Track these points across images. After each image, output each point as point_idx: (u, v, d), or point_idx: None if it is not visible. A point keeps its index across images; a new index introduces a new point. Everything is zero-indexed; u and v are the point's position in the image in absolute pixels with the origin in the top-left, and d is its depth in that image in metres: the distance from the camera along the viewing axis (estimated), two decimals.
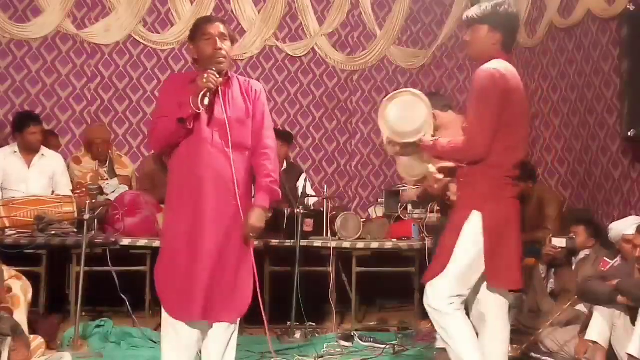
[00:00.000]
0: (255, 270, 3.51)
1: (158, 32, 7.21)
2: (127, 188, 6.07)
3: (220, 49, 3.42)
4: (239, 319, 3.55)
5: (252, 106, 3.52)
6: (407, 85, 7.69)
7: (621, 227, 4.67)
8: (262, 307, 3.50)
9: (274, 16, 7.32)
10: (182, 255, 3.38)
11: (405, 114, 3.54)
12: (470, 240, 3.38)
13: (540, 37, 6.63)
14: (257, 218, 3.43)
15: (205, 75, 3.33)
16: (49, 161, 5.86)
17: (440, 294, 3.38)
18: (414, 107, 3.56)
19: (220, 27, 3.46)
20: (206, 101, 3.33)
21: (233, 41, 3.56)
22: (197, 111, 3.33)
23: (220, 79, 3.41)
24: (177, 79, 3.69)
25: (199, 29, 3.47)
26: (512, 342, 4.65)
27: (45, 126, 6.30)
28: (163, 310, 3.48)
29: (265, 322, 3.59)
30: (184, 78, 3.64)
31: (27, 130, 5.76)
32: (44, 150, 5.86)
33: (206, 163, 3.39)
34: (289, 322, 5.20)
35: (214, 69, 3.38)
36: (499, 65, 3.41)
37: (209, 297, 3.36)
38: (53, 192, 5.76)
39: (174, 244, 3.42)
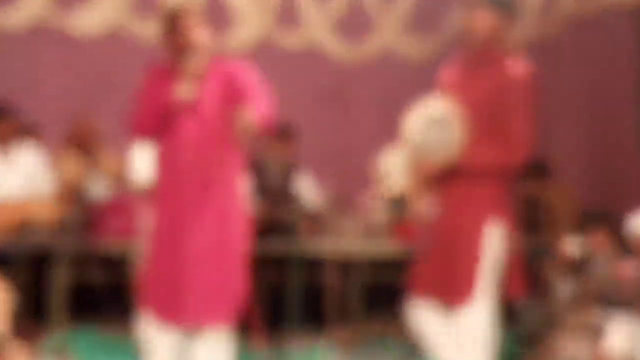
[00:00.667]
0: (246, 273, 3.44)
1: (149, 25, 7.04)
2: (113, 188, 5.90)
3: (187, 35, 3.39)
4: (227, 329, 3.42)
5: (230, 90, 3.42)
6: (407, 85, 7.57)
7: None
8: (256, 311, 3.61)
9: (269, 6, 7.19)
10: (164, 256, 3.33)
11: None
12: None
13: (555, 29, 6.58)
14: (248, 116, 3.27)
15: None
16: (26, 158, 5.66)
17: None
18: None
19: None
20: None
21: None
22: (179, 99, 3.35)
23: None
24: (157, 67, 3.60)
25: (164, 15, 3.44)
26: (525, 349, 4.60)
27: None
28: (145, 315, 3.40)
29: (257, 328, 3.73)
30: (163, 66, 3.55)
31: None
32: (20, 145, 5.67)
33: (186, 159, 3.34)
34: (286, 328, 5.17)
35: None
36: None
37: (194, 299, 3.29)
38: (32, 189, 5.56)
39: (155, 244, 3.38)
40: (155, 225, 3.40)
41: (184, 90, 3.33)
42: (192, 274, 3.28)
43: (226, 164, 3.39)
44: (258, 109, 3.31)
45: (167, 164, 3.38)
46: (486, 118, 3.26)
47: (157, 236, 3.37)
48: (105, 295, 4.99)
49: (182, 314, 3.29)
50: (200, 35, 3.38)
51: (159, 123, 3.37)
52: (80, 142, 6.00)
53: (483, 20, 3.33)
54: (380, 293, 5.78)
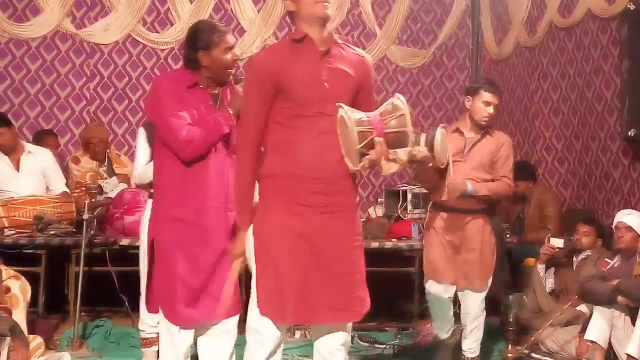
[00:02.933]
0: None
1: (157, 32, 7.21)
2: (126, 187, 6.01)
3: (236, 60, 3.47)
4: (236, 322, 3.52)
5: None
6: (407, 85, 7.71)
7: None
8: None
9: (274, 16, 7.31)
10: (181, 261, 3.37)
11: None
12: None
13: (541, 36, 6.62)
14: None
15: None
16: (37, 159, 5.68)
17: None
18: None
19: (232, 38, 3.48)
20: None
21: None
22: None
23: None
24: (174, 84, 3.47)
25: (218, 37, 3.40)
26: (512, 342, 4.73)
27: (44, 126, 6.27)
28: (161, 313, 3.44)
29: None
30: (180, 82, 3.46)
31: None
32: (30, 147, 5.73)
33: (213, 169, 3.38)
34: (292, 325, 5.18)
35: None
36: None
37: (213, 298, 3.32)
38: (47, 189, 5.65)
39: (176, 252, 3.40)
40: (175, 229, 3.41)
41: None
42: (212, 275, 3.35)
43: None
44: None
45: (194, 173, 3.37)
46: None
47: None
48: (119, 289, 4.99)
49: (199, 315, 3.36)
50: None
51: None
52: (92, 144, 6.14)
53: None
54: (380, 284, 5.95)
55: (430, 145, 2.81)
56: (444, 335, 4.51)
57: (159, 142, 3.46)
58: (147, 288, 3.58)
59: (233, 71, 3.44)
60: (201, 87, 3.43)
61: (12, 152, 5.59)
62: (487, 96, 4.33)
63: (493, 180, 4.31)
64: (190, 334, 3.45)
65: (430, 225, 4.43)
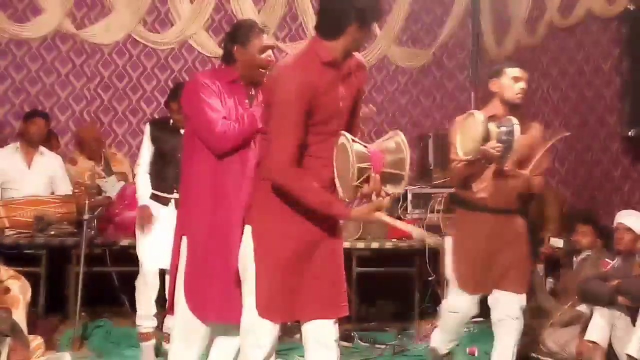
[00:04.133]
0: None
1: (158, 32, 7.21)
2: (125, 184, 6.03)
3: (271, 60, 3.43)
4: None
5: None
6: (407, 85, 7.71)
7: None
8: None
9: (274, 16, 7.31)
10: (214, 256, 3.36)
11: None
12: None
13: (541, 36, 6.63)
14: None
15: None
16: (49, 161, 5.80)
17: None
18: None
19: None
20: None
21: None
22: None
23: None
24: (214, 80, 3.47)
25: (255, 35, 3.42)
26: None
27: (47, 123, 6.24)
28: (183, 310, 3.40)
29: None
30: (220, 79, 3.48)
31: (32, 120, 5.73)
32: (42, 149, 5.82)
33: (241, 167, 3.37)
34: (289, 323, 5.18)
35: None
36: None
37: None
38: (52, 192, 5.72)
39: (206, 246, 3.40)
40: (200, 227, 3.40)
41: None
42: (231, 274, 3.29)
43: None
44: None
45: (221, 170, 3.36)
46: None
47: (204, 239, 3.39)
48: (119, 289, 5.07)
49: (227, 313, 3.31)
50: None
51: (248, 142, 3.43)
52: (86, 144, 6.20)
53: None
54: (380, 284, 5.97)
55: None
56: (444, 350, 4.25)
57: (191, 137, 3.44)
58: (173, 285, 3.52)
59: (266, 72, 3.38)
60: (241, 83, 3.43)
61: (30, 147, 5.71)
62: (513, 71, 4.00)
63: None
64: (207, 332, 3.42)
65: (458, 227, 4.10)
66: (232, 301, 3.28)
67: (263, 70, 3.40)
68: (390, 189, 2.82)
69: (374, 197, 2.79)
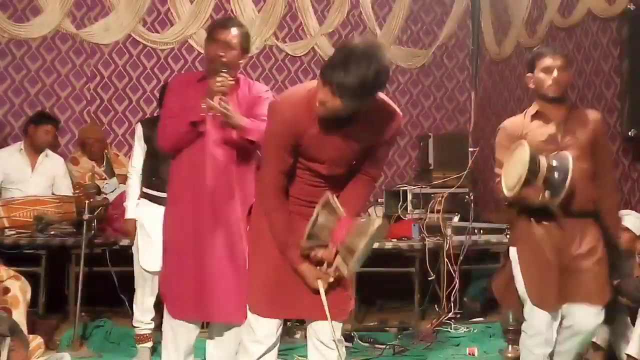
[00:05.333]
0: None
1: (157, 32, 7.21)
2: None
3: (221, 55, 3.39)
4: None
5: (254, 109, 3.47)
6: (407, 85, 7.72)
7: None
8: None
9: (274, 16, 7.32)
10: (189, 256, 3.40)
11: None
12: None
13: (541, 36, 6.62)
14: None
15: (218, 79, 3.30)
16: (52, 163, 5.83)
17: None
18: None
19: (230, 34, 3.42)
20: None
21: (244, 50, 3.50)
22: (209, 114, 3.33)
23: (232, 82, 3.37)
24: (184, 79, 3.66)
25: (215, 31, 3.46)
26: (512, 342, 4.72)
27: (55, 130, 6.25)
28: (165, 310, 3.50)
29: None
30: (191, 78, 3.62)
31: (43, 126, 5.75)
32: (47, 151, 5.84)
33: (211, 166, 3.38)
34: (289, 323, 5.19)
35: (224, 71, 3.33)
36: None
37: (215, 297, 3.36)
38: (53, 193, 5.73)
39: (181, 245, 3.44)
40: (176, 228, 3.47)
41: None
42: (212, 274, 3.35)
43: (246, 173, 3.44)
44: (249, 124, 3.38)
45: (192, 169, 3.41)
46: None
47: (180, 239, 3.44)
48: (119, 289, 5.04)
49: (201, 312, 3.39)
50: (233, 54, 3.43)
51: (189, 137, 3.41)
52: (88, 144, 6.18)
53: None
54: (380, 284, 5.97)
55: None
56: None
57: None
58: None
59: (217, 66, 3.36)
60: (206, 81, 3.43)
61: (35, 150, 5.75)
62: (544, 62, 3.56)
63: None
64: (192, 331, 3.49)
65: (524, 237, 3.58)
66: (204, 299, 3.36)
67: (213, 65, 3.39)
68: (343, 264, 2.83)
69: (325, 266, 2.87)
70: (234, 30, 3.44)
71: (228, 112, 3.28)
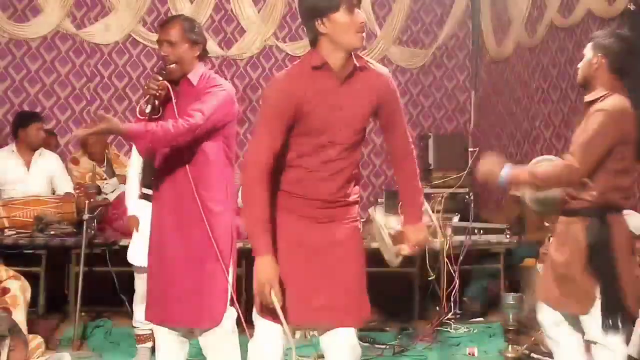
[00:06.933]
0: (229, 274, 3.40)
1: (157, 32, 7.19)
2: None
3: (165, 55, 3.46)
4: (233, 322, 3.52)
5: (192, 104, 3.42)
6: (407, 85, 7.72)
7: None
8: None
9: (274, 16, 7.33)
10: (153, 258, 3.47)
11: None
12: None
13: (541, 36, 6.63)
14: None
15: (148, 81, 3.40)
16: (47, 161, 5.82)
17: None
18: None
19: (164, 33, 3.52)
20: (148, 108, 3.37)
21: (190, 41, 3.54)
22: (141, 117, 3.39)
23: (165, 83, 3.40)
24: None
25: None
26: (511, 342, 4.73)
27: (44, 125, 6.25)
28: None
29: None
30: None
31: (32, 126, 5.72)
32: (41, 150, 5.82)
33: (163, 167, 3.42)
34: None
35: (163, 73, 3.41)
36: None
37: (174, 301, 3.37)
38: (54, 192, 5.73)
39: (150, 248, 3.51)
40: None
41: (149, 104, 3.45)
42: (172, 279, 3.36)
43: (202, 168, 3.41)
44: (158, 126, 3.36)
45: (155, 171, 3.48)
46: None
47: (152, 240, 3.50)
48: (119, 289, 5.01)
49: (163, 316, 3.41)
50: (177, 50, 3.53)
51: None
52: (89, 145, 6.14)
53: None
54: (380, 284, 5.96)
55: None
56: None
57: None
58: None
59: (166, 65, 3.45)
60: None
61: (28, 150, 5.73)
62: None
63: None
64: (169, 332, 3.48)
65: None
66: (164, 302, 3.38)
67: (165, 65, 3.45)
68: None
69: None
70: (168, 27, 3.53)
71: (99, 129, 3.26)
